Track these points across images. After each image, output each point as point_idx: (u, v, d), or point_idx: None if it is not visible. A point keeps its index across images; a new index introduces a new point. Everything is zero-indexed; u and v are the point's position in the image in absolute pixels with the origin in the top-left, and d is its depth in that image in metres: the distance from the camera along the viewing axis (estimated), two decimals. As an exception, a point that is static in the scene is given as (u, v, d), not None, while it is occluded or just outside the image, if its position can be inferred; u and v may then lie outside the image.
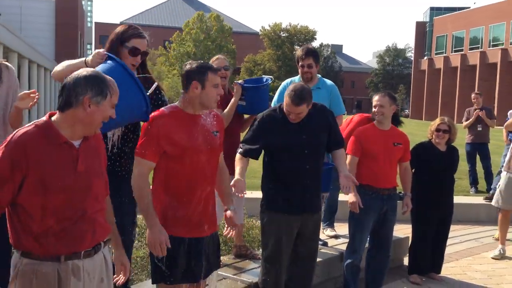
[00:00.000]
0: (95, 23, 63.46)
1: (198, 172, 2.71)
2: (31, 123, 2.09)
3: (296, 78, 4.59)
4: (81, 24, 49.62)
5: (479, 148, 8.57)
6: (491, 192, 7.56)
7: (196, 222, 2.74)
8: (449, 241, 6.13)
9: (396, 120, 4.25)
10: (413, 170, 4.53)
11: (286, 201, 3.40)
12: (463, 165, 10.35)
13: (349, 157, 4.07)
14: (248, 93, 4.14)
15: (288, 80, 4.66)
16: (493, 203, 5.81)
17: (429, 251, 4.73)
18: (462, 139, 10.40)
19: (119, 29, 3.12)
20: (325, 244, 4.77)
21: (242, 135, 3.78)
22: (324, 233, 5.15)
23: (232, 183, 3.07)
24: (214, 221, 2.89)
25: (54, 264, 2.05)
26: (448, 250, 5.75)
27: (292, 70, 61.29)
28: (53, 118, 2.09)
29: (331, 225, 5.24)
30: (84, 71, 2.08)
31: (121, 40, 3.04)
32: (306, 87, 3.35)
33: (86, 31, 59.73)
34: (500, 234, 5.77)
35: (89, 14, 68.03)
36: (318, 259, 4.39)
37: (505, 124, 5.91)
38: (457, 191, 8.27)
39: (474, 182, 8.50)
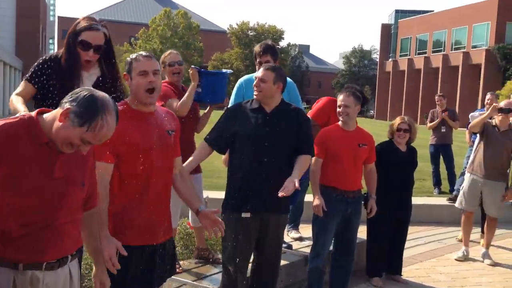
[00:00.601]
0: (58, 17, 61.83)
1: (152, 174, 2.53)
2: (16, 115, 1.93)
3: (253, 76, 4.42)
4: (43, 18, 48.15)
5: (443, 149, 8.66)
6: (454, 193, 7.62)
7: (150, 228, 2.56)
8: (412, 243, 6.17)
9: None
10: None
11: (242, 199, 3.25)
12: (426, 166, 10.48)
13: (313, 159, 3.95)
14: (204, 79, 3.97)
15: (245, 77, 4.47)
16: (456, 204, 5.82)
17: (385, 252, 4.63)
18: (426, 139, 10.52)
19: (76, 22, 2.92)
20: (289, 247, 4.64)
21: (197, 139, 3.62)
22: (289, 236, 5.02)
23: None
24: (169, 226, 2.71)
25: (11, 272, 1.88)
26: (412, 252, 5.76)
27: (260, 69, 61.34)
28: (45, 115, 1.93)
29: (296, 227, 5.12)
30: (101, 93, 1.92)
31: (75, 33, 2.85)
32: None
33: (49, 25, 58.06)
34: (463, 236, 5.79)
35: (51, 7, 66.12)
36: (283, 263, 4.26)
37: (469, 125, 5.94)
38: (421, 192, 8.36)
39: (437, 183, 8.58)
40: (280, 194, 3.02)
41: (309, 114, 4.96)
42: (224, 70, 4.21)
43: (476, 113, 7.10)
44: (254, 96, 3.36)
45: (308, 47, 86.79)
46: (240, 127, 3.24)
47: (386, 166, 4.43)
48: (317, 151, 3.95)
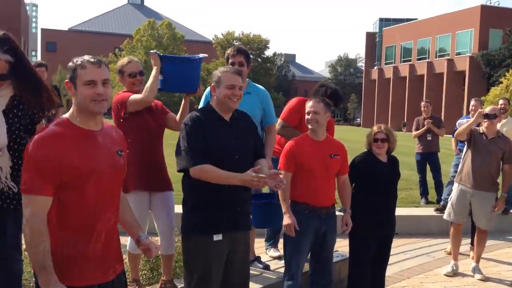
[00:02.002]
0: (42, 29, 61.14)
1: (100, 201, 2.16)
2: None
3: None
4: (24, 30, 47.53)
5: (429, 157, 8.39)
6: (441, 203, 7.35)
7: (99, 263, 2.18)
8: (400, 257, 5.86)
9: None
10: (353, 185, 4.10)
11: (214, 219, 2.91)
12: (413, 175, 10.22)
13: (281, 173, 3.58)
14: (167, 65, 3.59)
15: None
16: (444, 216, 5.53)
17: (369, 276, 4.13)
18: (410, 147, 10.26)
19: None
20: (266, 267, 4.29)
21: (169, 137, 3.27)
22: (267, 254, 4.69)
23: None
24: (120, 258, 2.36)
25: None
26: (399, 267, 5.45)
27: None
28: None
29: (274, 245, 4.77)
30: None
31: None
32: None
33: (31, 37, 57.44)
34: (452, 249, 5.49)
35: (33, 19, 65.51)
36: (258, 286, 3.94)
37: (455, 133, 5.65)
38: (408, 202, 8.08)
39: (424, 192, 8.28)
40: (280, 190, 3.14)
41: (281, 115, 4.67)
42: (196, 56, 3.75)
43: (463, 120, 6.81)
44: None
45: (294, 56, 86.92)
46: (209, 140, 2.90)
47: (366, 179, 4.07)
48: (286, 165, 3.63)
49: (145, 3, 69.12)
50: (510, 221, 7.37)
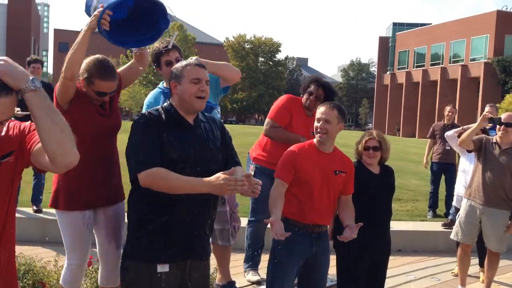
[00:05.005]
0: (54, 29, 61.24)
1: None
2: None
3: (159, 90, 3.57)
4: (35, 29, 47.58)
5: (446, 168, 7.67)
6: (449, 217, 6.75)
7: None
8: (401, 279, 5.29)
9: None
10: None
11: (166, 244, 2.38)
12: (421, 185, 9.64)
13: (276, 181, 3.11)
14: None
15: (153, 94, 3.60)
16: (452, 236, 4.95)
17: None
18: (421, 154, 9.61)
19: None
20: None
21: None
22: (245, 277, 4.16)
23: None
24: None
25: None
26: (400, 292, 4.89)
27: (256, 82, 60.84)
28: None
29: (254, 267, 4.23)
30: None
31: None
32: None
33: (42, 37, 57.49)
34: (459, 274, 4.91)
35: (45, 19, 65.85)
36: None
37: (458, 141, 5.00)
38: (413, 215, 7.50)
39: (433, 205, 7.64)
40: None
41: (269, 115, 4.18)
42: None
43: (450, 132, 5.93)
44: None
45: (306, 60, 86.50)
46: (166, 147, 2.38)
47: (355, 194, 3.47)
48: (282, 172, 3.09)
49: (158, 5, 69.05)
50: (525, 239, 6.74)
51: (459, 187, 5.78)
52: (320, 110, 3.14)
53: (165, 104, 2.53)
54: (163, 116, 2.44)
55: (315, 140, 3.19)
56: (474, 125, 4.66)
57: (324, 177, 3.12)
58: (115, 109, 3.07)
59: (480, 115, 4.74)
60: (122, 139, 2.93)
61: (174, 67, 2.56)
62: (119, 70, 3.16)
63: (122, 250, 2.90)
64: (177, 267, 2.43)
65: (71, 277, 3.00)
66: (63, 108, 2.84)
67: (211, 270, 4.14)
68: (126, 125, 2.80)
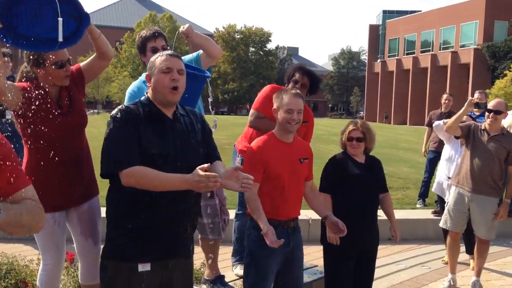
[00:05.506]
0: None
1: None
2: None
3: (142, 81, 3.41)
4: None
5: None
6: (439, 205, 6.73)
7: None
8: (391, 268, 5.28)
9: None
10: (326, 191, 3.47)
11: (147, 242, 2.31)
12: (412, 173, 9.63)
13: (241, 167, 2.95)
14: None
15: (135, 84, 3.50)
16: (441, 224, 4.92)
17: None
18: (414, 142, 9.60)
19: None
20: (230, 291, 3.70)
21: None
22: (233, 271, 4.11)
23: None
24: None
25: None
26: (389, 282, 4.87)
27: (247, 72, 60.64)
28: None
29: (242, 261, 4.15)
30: None
31: None
32: None
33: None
34: (449, 261, 4.89)
35: (32, 12, 64.99)
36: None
37: (446, 127, 4.91)
38: (404, 203, 7.48)
39: (424, 194, 7.56)
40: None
41: (254, 105, 4.10)
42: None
43: (440, 122, 5.85)
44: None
45: (297, 49, 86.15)
46: (145, 140, 2.29)
47: (341, 184, 3.42)
48: (252, 172, 2.80)
49: (147, -4, 68.42)
50: (515, 225, 6.75)
51: (441, 175, 5.75)
52: (290, 101, 2.95)
53: (143, 98, 2.45)
54: (141, 111, 2.35)
55: (277, 132, 3.04)
56: (460, 111, 4.62)
57: (292, 167, 3.02)
58: (78, 107, 2.94)
59: None
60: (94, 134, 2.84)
61: (150, 59, 2.47)
62: (81, 64, 3.06)
63: (100, 246, 2.85)
64: (159, 266, 2.36)
65: (47, 277, 2.92)
66: (17, 112, 2.75)
67: (199, 265, 4.11)
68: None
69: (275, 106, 3.03)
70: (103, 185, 2.59)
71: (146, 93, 2.47)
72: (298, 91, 3.16)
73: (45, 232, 2.80)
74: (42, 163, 2.74)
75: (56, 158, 2.75)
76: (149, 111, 2.36)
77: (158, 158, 2.29)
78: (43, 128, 2.72)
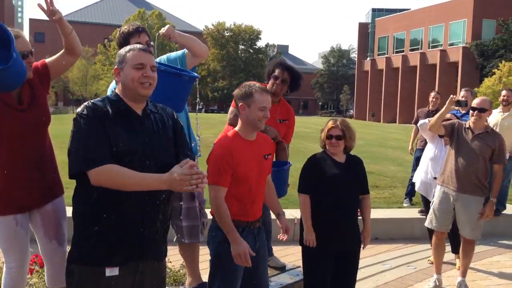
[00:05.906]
0: (30, 19, 59.83)
1: None
2: None
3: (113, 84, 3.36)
4: (9, 19, 46.43)
5: None
6: (424, 206, 6.68)
7: None
8: (376, 268, 5.21)
9: None
10: (305, 192, 3.40)
11: (114, 245, 2.20)
12: (399, 172, 9.60)
13: (213, 188, 2.75)
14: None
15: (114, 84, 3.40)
16: (426, 224, 4.86)
17: None
18: (402, 140, 9.57)
19: None
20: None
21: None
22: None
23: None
24: None
25: None
26: (373, 282, 4.79)
27: (237, 70, 60.47)
28: None
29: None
30: None
31: None
32: None
33: (16, 27, 56.12)
34: (435, 261, 4.83)
35: (19, 9, 64.43)
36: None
37: (429, 126, 4.86)
38: (391, 202, 7.43)
39: (410, 192, 7.51)
40: None
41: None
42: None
43: (426, 120, 5.82)
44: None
45: (287, 47, 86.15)
46: (112, 139, 2.18)
47: (319, 184, 3.31)
48: (220, 176, 2.74)
49: (135, -7, 67.92)
50: (502, 224, 6.73)
51: (423, 174, 5.66)
52: (263, 99, 2.82)
53: (111, 94, 2.35)
54: (109, 107, 2.24)
55: (242, 130, 2.89)
56: (442, 109, 4.56)
57: (259, 166, 2.91)
58: (40, 103, 2.81)
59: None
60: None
61: (118, 52, 2.36)
62: (47, 60, 2.93)
63: (66, 248, 2.74)
64: (128, 270, 2.25)
65: (11, 281, 2.80)
66: None
67: (178, 267, 4.00)
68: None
69: (242, 102, 2.86)
70: (70, 185, 2.47)
71: (114, 89, 2.37)
72: (263, 88, 3.02)
73: (7, 235, 2.68)
74: (1, 162, 2.63)
75: (20, 157, 2.63)
76: (118, 108, 2.25)
77: (125, 155, 2.17)
78: (1, 127, 2.59)
